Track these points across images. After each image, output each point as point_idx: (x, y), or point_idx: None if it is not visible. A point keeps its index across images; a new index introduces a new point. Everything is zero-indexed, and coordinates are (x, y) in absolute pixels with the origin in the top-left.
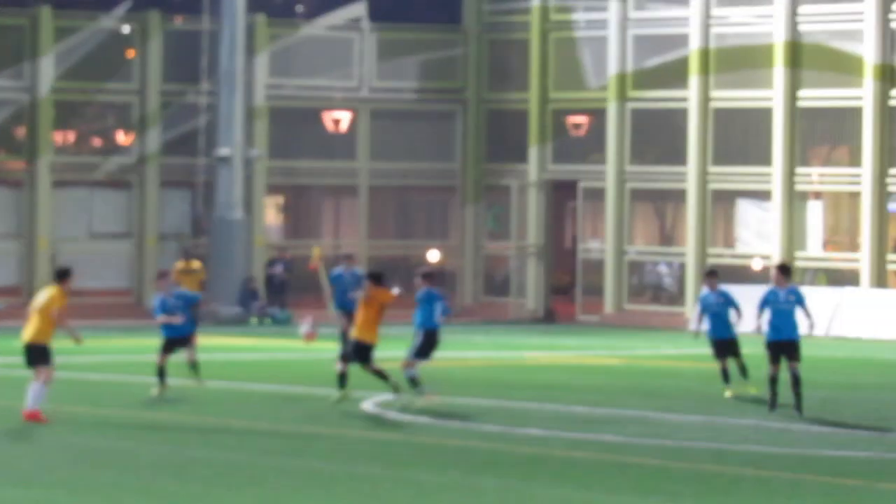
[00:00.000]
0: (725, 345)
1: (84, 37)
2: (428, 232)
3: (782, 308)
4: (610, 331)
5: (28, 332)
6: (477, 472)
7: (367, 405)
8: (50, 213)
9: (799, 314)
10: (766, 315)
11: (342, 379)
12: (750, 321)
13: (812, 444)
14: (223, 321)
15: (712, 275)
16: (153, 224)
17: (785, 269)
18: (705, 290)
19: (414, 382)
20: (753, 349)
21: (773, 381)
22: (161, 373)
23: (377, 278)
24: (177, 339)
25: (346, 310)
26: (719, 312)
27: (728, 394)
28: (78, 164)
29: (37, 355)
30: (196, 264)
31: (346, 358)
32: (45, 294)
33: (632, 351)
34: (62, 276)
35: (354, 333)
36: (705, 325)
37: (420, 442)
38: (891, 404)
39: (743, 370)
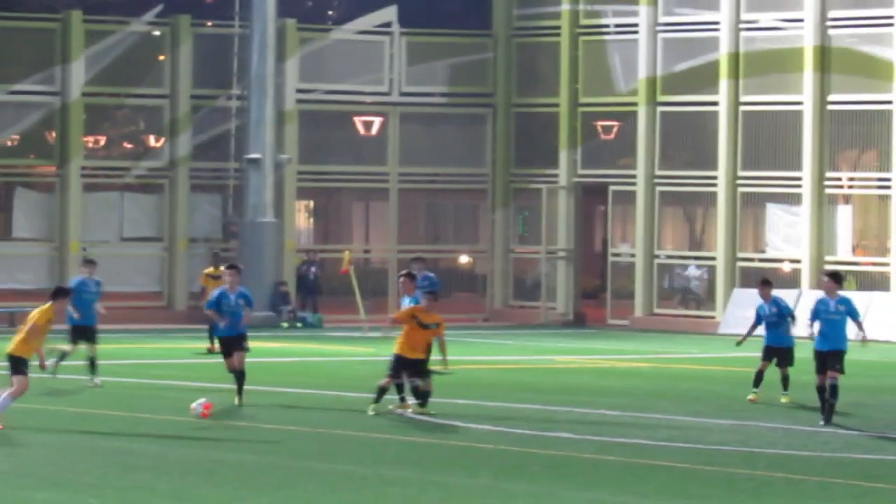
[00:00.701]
0: (778, 352)
1: (115, 41)
2: (457, 236)
3: (832, 318)
4: (639, 335)
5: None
6: (507, 475)
7: (392, 408)
8: (80, 217)
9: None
10: (817, 325)
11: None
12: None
13: (842, 447)
14: (253, 325)
15: (766, 284)
16: (183, 228)
17: (836, 278)
18: (760, 300)
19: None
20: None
21: (822, 390)
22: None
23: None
24: (232, 339)
25: None
26: (776, 323)
27: (751, 397)
28: (108, 168)
29: (13, 366)
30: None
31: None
32: (37, 310)
33: (661, 355)
34: (56, 294)
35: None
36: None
37: (450, 445)
38: None
39: (785, 381)
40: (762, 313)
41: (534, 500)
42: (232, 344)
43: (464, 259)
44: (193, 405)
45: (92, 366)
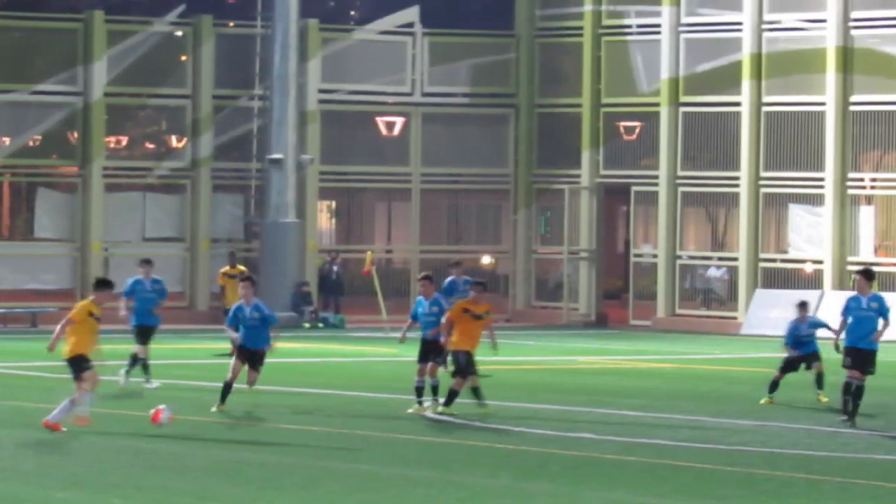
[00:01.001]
0: (805, 358)
1: (137, 41)
2: (480, 236)
3: (863, 315)
4: (661, 335)
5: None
6: (528, 475)
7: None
8: (102, 218)
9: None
10: (849, 321)
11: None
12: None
13: (863, 448)
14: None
15: (803, 307)
16: (205, 228)
17: (868, 275)
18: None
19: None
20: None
21: (849, 387)
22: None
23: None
24: (252, 352)
25: None
26: (809, 342)
27: (764, 401)
28: (130, 169)
29: (73, 368)
30: (241, 269)
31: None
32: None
33: (683, 355)
34: (96, 286)
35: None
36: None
37: (471, 445)
38: None
39: (820, 379)
40: (797, 333)
41: (554, 501)
42: (252, 358)
43: (486, 260)
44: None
45: (145, 368)
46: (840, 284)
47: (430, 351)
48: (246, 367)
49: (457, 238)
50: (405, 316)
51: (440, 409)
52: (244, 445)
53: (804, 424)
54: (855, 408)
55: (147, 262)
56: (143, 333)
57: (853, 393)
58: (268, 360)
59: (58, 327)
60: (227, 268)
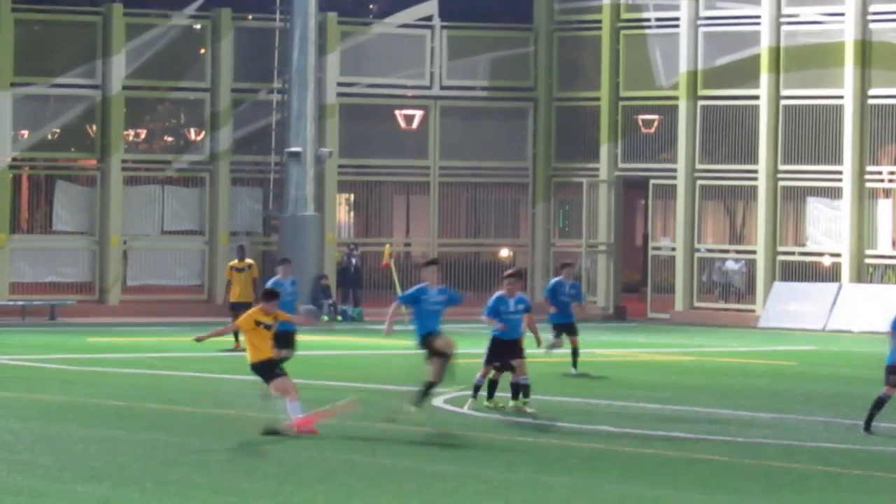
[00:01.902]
0: None
1: (156, 34)
2: (498, 230)
3: None
4: (680, 328)
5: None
6: (546, 468)
7: (438, 402)
8: (121, 211)
9: None
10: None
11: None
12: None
13: (883, 441)
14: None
15: None
16: (224, 222)
17: None
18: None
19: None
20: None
21: (881, 403)
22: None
23: None
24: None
25: (563, 322)
26: None
27: None
28: (149, 162)
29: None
30: (249, 262)
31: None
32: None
33: (702, 348)
34: (264, 297)
35: None
36: None
37: (489, 439)
38: None
39: None
40: None
41: (571, 494)
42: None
43: (504, 253)
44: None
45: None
46: (858, 278)
47: (505, 352)
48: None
49: (475, 231)
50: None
51: (486, 403)
52: (262, 439)
53: (822, 417)
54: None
55: (286, 262)
56: (288, 338)
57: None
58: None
59: (221, 328)
60: (234, 261)
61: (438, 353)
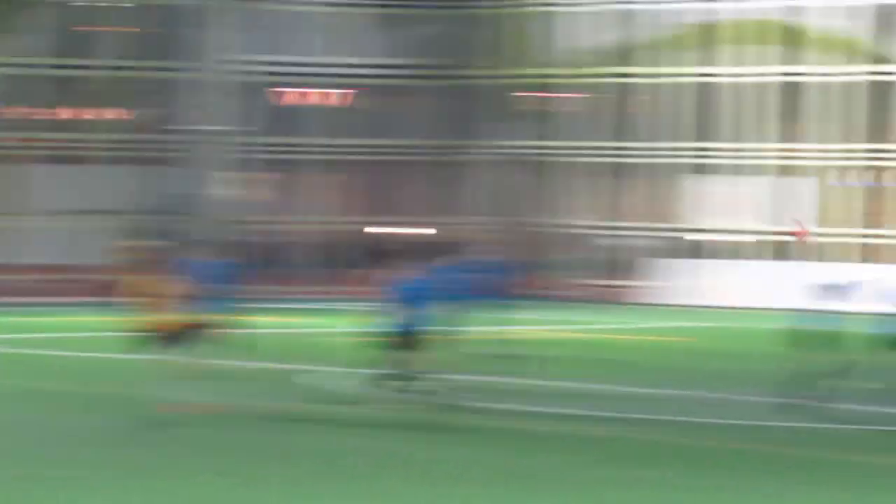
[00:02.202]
0: None
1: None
2: (412, 208)
3: None
4: (581, 305)
5: None
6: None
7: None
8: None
9: None
10: None
11: None
12: None
13: (787, 417)
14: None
15: None
16: (112, 200)
17: None
18: None
19: None
20: None
21: None
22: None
23: None
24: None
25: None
26: None
27: None
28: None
29: None
30: (138, 243)
31: None
32: None
33: (588, 325)
34: None
35: None
36: None
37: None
38: None
39: None
40: None
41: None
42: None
43: (417, 231)
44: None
45: None
46: (775, 255)
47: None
48: None
49: (389, 209)
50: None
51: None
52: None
53: (724, 393)
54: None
55: (202, 243)
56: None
57: None
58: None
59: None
60: (124, 242)
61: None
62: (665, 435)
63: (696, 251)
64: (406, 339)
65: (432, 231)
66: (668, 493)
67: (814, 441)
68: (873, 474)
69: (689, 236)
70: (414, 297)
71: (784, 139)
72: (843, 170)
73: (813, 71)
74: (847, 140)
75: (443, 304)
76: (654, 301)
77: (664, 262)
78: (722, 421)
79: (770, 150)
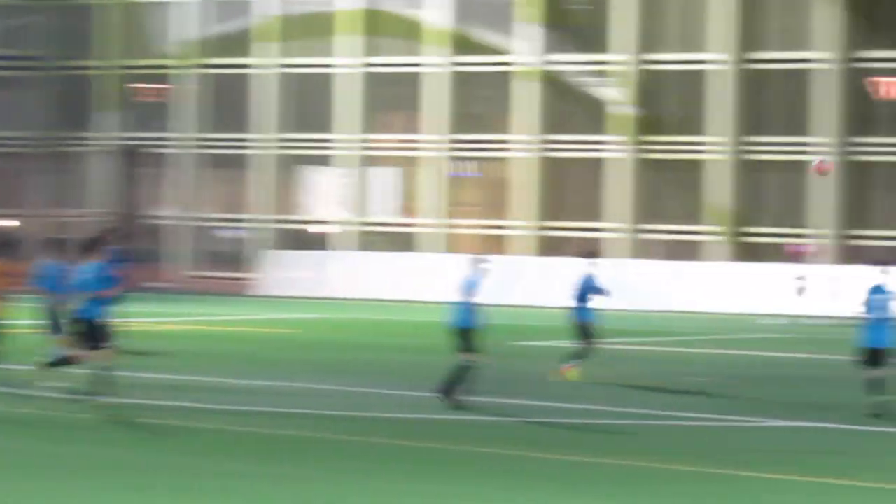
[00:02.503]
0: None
1: None
2: (26, 200)
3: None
4: (182, 297)
5: None
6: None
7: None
8: None
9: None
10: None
11: None
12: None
13: (379, 408)
14: None
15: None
16: None
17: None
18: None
19: None
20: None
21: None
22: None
23: None
24: None
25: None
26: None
27: None
28: None
29: None
30: None
31: None
32: None
33: (204, 317)
34: None
35: None
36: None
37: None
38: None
39: None
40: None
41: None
42: None
43: (5, 223)
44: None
45: None
46: (359, 245)
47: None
48: None
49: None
50: None
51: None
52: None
53: (327, 385)
54: None
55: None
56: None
57: None
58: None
59: None
60: None
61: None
62: (275, 428)
63: (309, 242)
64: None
65: (15, 223)
66: (285, 486)
67: (429, 432)
68: (494, 463)
69: (302, 227)
70: (55, 286)
71: (375, 129)
72: (432, 160)
73: (396, 62)
74: (434, 131)
75: (81, 295)
76: (269, 293)
77: (278, 254)
78: (329, 412)
79: (359, 141)
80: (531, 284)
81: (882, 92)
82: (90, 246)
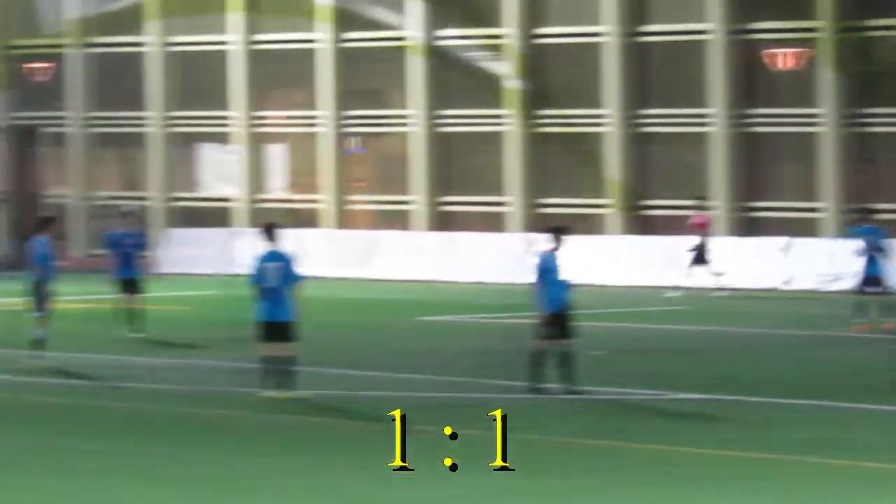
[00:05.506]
0: None
1: None
2: None
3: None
4: (78, 276)
5: None
6: None
7: None
8: None
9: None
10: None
11: None
12: None
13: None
14: None
15: None
16: None
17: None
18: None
19: None
20: None
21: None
22: None
23: None
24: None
25: None
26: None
27: None
28: None
29: None
30: None
31: None
32: None
33: (102, 295)
34: None
35: None
36: None
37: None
38: (355, 343)
39: None
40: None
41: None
42: None
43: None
44: None
45: None
46: (252, 222)
47: None
48: None
49: None
50: None
51: None
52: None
53: (223, 361)
54: None
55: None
56: None
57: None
58: None
59: None
60: None
61: None
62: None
63: (206, 219)
64: None
65: None
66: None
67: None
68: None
69: (198, 205)
70: None
71: (265, 107)
72: (323, 136)
73: (277, 38)
74: (325, 108)
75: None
76: (166, 271)
77: (175, 232)
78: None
79: (250, 118)
80: (431, 259)
81: (779, 63)
82: None
